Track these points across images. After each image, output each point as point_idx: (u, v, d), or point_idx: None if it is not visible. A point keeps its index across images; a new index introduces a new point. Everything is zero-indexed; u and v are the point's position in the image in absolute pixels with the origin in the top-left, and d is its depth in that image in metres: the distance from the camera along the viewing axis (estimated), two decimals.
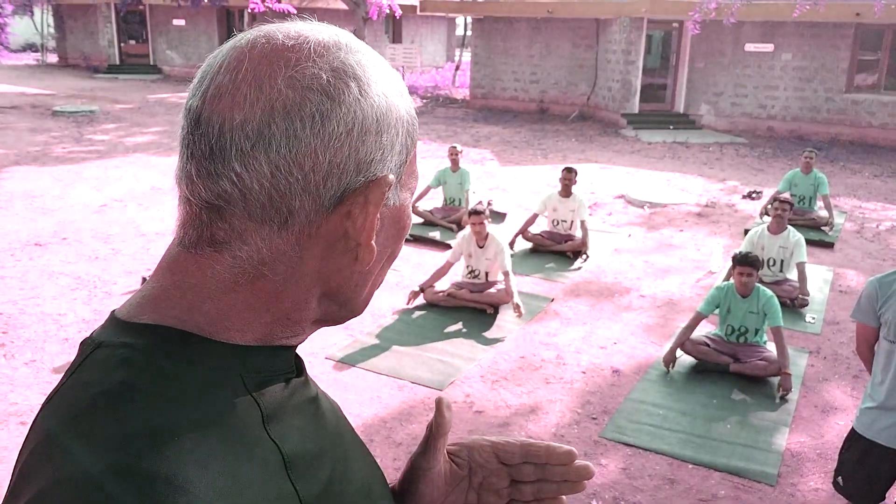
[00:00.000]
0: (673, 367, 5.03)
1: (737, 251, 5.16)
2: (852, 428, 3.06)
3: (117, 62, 26.03)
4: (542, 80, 19.30)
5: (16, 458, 0.62)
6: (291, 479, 0.62)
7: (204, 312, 0.62)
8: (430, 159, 11.90)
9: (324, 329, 0.73)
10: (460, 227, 7.87)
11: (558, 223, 7.71)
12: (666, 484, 3.81)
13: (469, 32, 25.00)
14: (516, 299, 5.79)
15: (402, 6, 20.73)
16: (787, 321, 5.35)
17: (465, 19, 26.38)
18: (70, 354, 4.80)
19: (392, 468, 3.73)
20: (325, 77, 0.62)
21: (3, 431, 4.02)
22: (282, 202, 0.61)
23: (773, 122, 16.72)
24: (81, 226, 7.96)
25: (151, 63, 26.29)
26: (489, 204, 9.13)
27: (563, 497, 0.88)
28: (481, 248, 6.08)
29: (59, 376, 0.60)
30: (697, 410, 4.56)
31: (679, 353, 5.06)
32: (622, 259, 7.56)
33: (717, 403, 4.65)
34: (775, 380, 4.84)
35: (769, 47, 16.37)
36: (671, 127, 16.63)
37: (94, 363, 0.61)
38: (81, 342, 0.64)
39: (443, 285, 6.16)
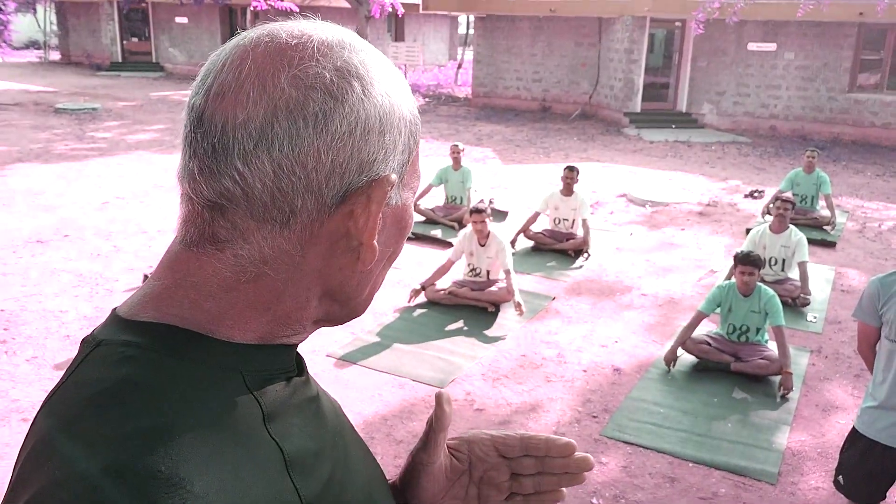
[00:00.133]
0: (674, 365, 5.03)
1: (738, 250, 5.16)
2: (853, 427, 3.06)
3: (120, 60, 26.04)
4: (545, 79, 19.29)
5: (16, 456, 0.62)
6: (292, 479, 0.62)
7: (205, 311, 0.62)
8: (432, 157, 11.90)
9: (325, 327, 0.73)
10: (462, 225, 7.87)
11: (560, 222, 7.71)
12: (667, 482, 3.82)
13: (471, 31, 25.00)
14: (517, 298, 5.79)
15: (404, 4, 20.72)
16: (788, 320, 5.34)
17: (468, 17, 26.38)
18: (71, 351, 4.81)
19: (393, 466, 3.73)
20: (328, 76, 0.62)
21: (5, 428, 4.03)
22: (284, 201, 0.61)
23: (776, 121, 16.70)
24: (83, 223, 7.96)
25: (154, 60, 26.30)
26: (491, 202, 9.14)
27: (564, 490, 0.88)
28: (483, 246, 6.08)
29: (61, 373, 0.60)
30: (698, 409, 4.56)
31: (680, 351, 5.06)
32: (624, 258, 7.56)
33: (718, 402, 4.65)
34: (776, 379, 4.84)
35: (772, 46, 16.35)
36: (673, 126, 16.62)
37: (95, 361, 0.61)
38: (82, 340, 0.64)
39: (444, 283, 6.17)
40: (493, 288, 6.03)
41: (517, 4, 18.40)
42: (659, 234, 8.47)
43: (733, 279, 5.11)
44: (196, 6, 23.36)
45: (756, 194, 10.43)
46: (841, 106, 16.07)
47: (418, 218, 8.38)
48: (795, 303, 6.23)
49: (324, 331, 4.95)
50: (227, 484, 0.55)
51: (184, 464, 0.54)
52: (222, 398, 0.60)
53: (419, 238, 7.80)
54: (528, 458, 0.86)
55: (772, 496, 3.73)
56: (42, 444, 0.58)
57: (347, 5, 21.34)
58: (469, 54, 25.56)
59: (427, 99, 21.18)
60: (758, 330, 5.06)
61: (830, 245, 8.20)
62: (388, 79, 0.66)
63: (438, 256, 6.97)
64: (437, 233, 8.03)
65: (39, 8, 29.28)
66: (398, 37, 27.89)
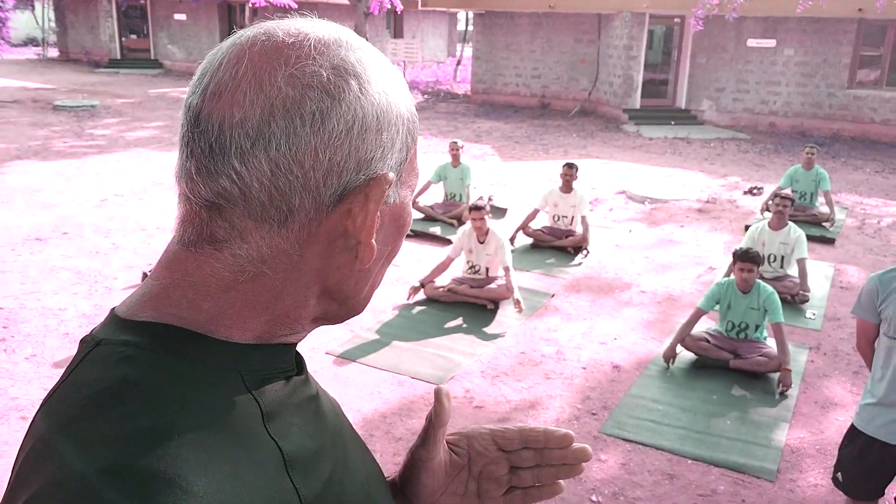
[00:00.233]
0: (673, 362, 5.04)
1: (737, 247, 5.16)
2: (852, 424, 3.06)
3: (118, 57, 26.01)
4: (544, 75, 19.28)
5: (15, 456, 0.62)
6: (291, 478, 0.62)
7: (204, 310, 0.62)
8: (431, 154, 11.90)
9: (324, 325, 0.73)
10: (461, 222, 7.86)
11: (559, 219, 7.70)
12: (665, 479, 3.82)
13: (470, 27, 24.97)
14: (517, 295, 5.79)
15: (403, 1, 20.68)
16: (787, 317, 5.35)
17: (467, 14, 26.34)
18: (71, 349, 4.81)
19: (392, 463, 3.73)
20: (325, 75, 0.61)
21: (4, 426, 4.03)
22: (282, 200, 0.61)
23: (775, 117, 16.70)
24: (82, 220, 7.96)
25: (152, 58, 26.27)
26: (490, 199, 9.14)
27: (562, 482, 0.89)
28: (482, 243, 6.08)
29: (60, 371, 0.60)
30: (697, 406, 4.56)
31: (679, 348, 5.06)
32: (623, 255, 7.56)
33: (717, 399, 4.65)
34: (775, 376, 4.84)
35: (771, 43, 16.34)
36: (672, 122, 16.61)
37: (93, 361, 0.61)
38: (81, 340, 0.64)
39: (443, 281, 6.17)
40: (493, 285, 6.03)
41: (516, 1, 18.38)
42: (658, 231, 8.47)
43: (732, 276, 5.11)
44: (194, 3, 23.32)
45: (755, 191, 10.44)
46: (840, 102, 16.06)
47: (417, 215, 8.38)
48: (794, 300, 6.24)
49: (323, 328, 4.95)
50: (226, 484, 0.55)
51: (183, 464, 0.53)
52: (221, 398, 0.60)
53: (418, 235, 7.80)
54: (526, 450, 0.87)
55: (771, 493, 3.74)
56: (41, 444, 0.58)
57: (346, 2, 21.30)
58: (468, 51, 25.53)
59: (426, 96, 21.17)
60: (757, 327, 5.06)
61: (829, 242, 8.20)
62: (385, 77, 0.66)
63: (437, 253, 6.97)
64: (436, 230, 8.03)
65: (38, 5, 29.25)
66: (397, 33, 27.86)
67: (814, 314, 6.11)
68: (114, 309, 0.65)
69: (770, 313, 4.92)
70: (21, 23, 29.41)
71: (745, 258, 4.93)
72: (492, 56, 19.80)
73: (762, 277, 5.84)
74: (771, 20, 16.12)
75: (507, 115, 18.15)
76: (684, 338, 5.05)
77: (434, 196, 8.81)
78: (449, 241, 7.19)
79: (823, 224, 8.64)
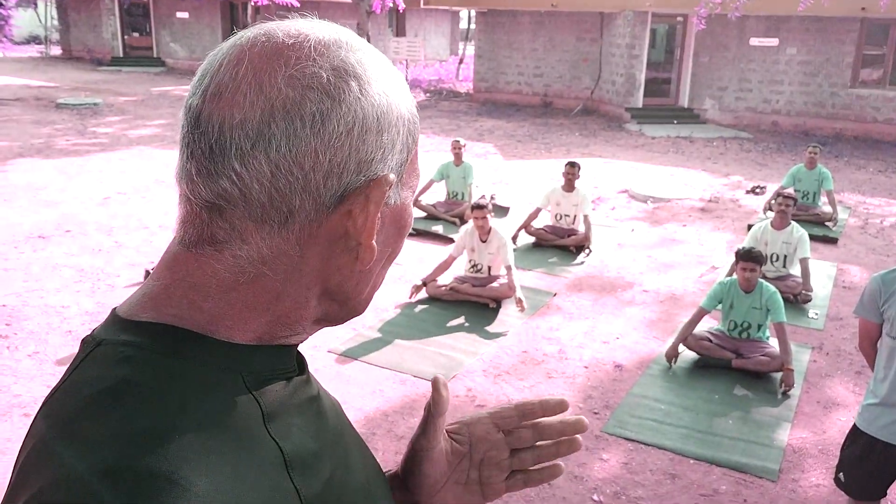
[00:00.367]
0: (675, 362, 5.03)
1: (740, 246, 5.15)
2: (854, 424, 3.06)
3: (121, 55, 26.02)
4: (546, 74, 19.26)
5: (16, 455, 0.62)
6: (292, 478, 0.62)
7: (205, 311, 0.62)
8: (434, 153, 11.89)
9: (326, 327, 0.73)
10: (463, 221, 7.87)
11: (561, 217, 7.70)
12: (667, 479, 3.82)
13: (473, 26, 24.96)
14: (519, 294, 5.79)
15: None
16: (789, 317, 5.34)
17: (469, 13, 26.32)
18: (73, 346, 4.81)
19: (394, 462, 3.71)
20: (325, 76, 0.61)
21: (7, 423, 4.04)
22: (282, 201, 0.61)
23: (778, 116, 16.68)
24: (85, 218, 7.97)
25: (155, 56, 26.29)
26: (492, 198, 9.14)
27: (561, 464, 0.90)
28: (484, 242, 6.08)
29: (63, 368, 0.60)
30: (699, 405, 4.56)
31: (681, 348, 5.06)
32: (625, 254, 7.55)
33: (719, 399, 4.65)
34: (777, 375, 4.84)
35: (774, 42, 16.32)
36: (675, 121, 16.60)
37: (94, 361, 0.61)
38: (82, 340, 0.64)
39: (445, 279, 6.17)
40: (495, 284, 6.03)
41: None
42: (660, 231, 8.46)
43: (735, 276, 5.10)
44: (197, 1, 23.33)
45: (758, 190, 10.42)
46: (843, 101, 16.03)
47: (419, 214, 8.38)
48: (797, 299, 6.23)
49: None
50: (226, 484, 0.55)
51: (183, 464, 0.53)
52: (222, 398, 0.60)
53: (420, 234, 7.80)
54: (525, 429, 0.88)
55: (773, 493, 3.73)
56: (41, 444, 0.58)
57: (348, 0, 21.31)
58: (470, 49, 25.51)
59: (428, 94, 21.16)
60: (759, 326, 5.05)
61: (832, 241, 8.19)
62: (385, 77, 0.66)
63: (439, 252, 6.97)
64: (438, 229, 8.03)
65: (40, 2, 29.28)
66: (399, 32, 27.85)
67: (816, 314, 6.10)
68: (115, 309, 0.65)
69: (772, 313, 4.91)
70: (24, 21, 29.47)
71: (748, 258, 4.92)
72: (494, 54, 19.79)
73: (765, 277, 5.83)
74: (774, 19, 16.10)
75: (510, 113, 18.15)
76: (686, 337, 5.05)
77: (436, 195, 8.81)
78: (451, 240, 7.19)
79: (826, 224, 8.63)
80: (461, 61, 25.87)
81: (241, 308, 0.63)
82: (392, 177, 0.65)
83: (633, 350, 5.34)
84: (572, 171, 7.53)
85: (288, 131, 0.60)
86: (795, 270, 6.49)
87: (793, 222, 6.49)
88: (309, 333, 0.70)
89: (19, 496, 0.55)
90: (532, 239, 7.70)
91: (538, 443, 0.89)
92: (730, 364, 4.95)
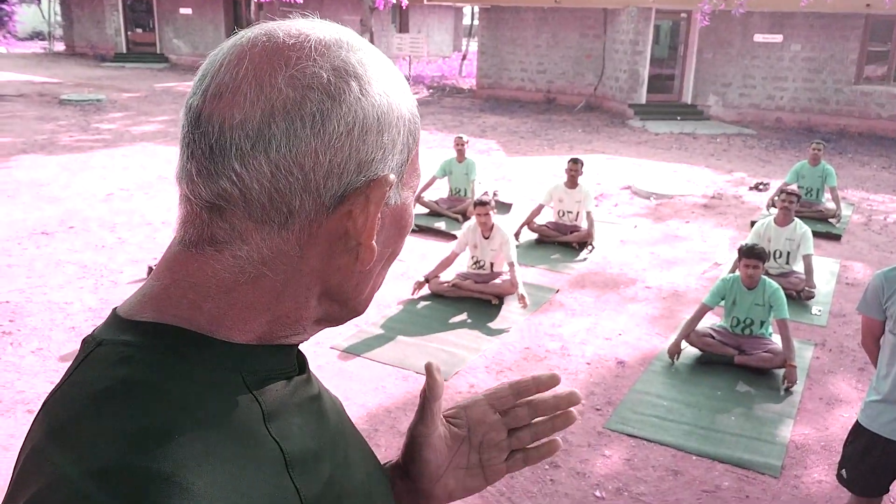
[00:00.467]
0: (678, 358, 5.03)
1: (743, 243, 5.15)
2: (857, 421, 3.06)
3: (124, 51, 26.01)
4: (550, 70, 19.23)
5: (17, 453, 0.62)
6: (292, 478, 0.62)
7: (205, 311, 0.62)
8: (437, 149, 11.89)
9: (328, 327, 0.73)
10: (466, 217, 7.86)
11: (564, 214, 7.70)
12: (670, 475, 3.82)
13: (476, 22, 24.91)
14: (521, 290, 5.79)
15: None
16: (792, 313, 5.33)
17: (472, 9, 26.27)
18: (76, 343, 4.82)
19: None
20: (325, 76, 0.61)
21: (10, 419, 4.05)
22: (282, 202, 0.61)
23: (782, 113, 16.63)
24: (88, 214, 7.98)
25: (158, 52, 26.26)
26: (495, 194, 9.12)
27: (559, 440, 0.91)
28: (486, 238, 6.08)
29: (66, 365, 0.60)
30: (702, 402, 4.56)
31: (684, 344, 5.06)
32: (628, 250, 7.55)
33: (722, 395, 4.65)
34: (780, 372, 4.83)
35: (778, 38, 16.26)
36: (678, 118, 16.56)
37: (94, 361, 0.61)
38: (83, 340, 0.65)
39: (448, 276, 6.17)
40: (497, 280, 6.03)
41: None
42: (663, 227, 8.45)
43: (738, 272, 5.10)
44: None
45: (761, 187, 10.40)
46: (847, 98, 15.99)
47: (422, 210, 8.38)
48: (800, 296, 6.22)
49: None
50: (226, 484, 0.55)
51: (183, 463, 0.53)
52: (222, 398, 0.60)
53: (423, 230, 7.80)
54: (520, 407, 0.89)
55: (775, 489, 3.74)
56: (40, 445, 0.58)
57: None
58: (474, 45, 25.47)
59: (431, 90, 21.14)
60: (762, 323, 5.05)
61: (835, 238, 8.17)
62: (386, 78, 0.66)
63: (442, 249, 6.97)
64: (441, 225, 8.03)
65: None
66: (403, 28, 27.82)
67: (819, 310, 6.10)
68: (115, 309, 0.65)
69: (775, 309, 4.91)
70: (27, 17, 29.48)
71: (751, 254, 4.91)
72: (497, 51, 19.76)
73: (768, 273, 5.82)
74: (778, 15, 16.05)
75: (513, 109, 18.12)
76: (689, 333, 5.05)
77: (439, 191, 8.81)
78: (454, 237, 7.19)
79: (829, 220, 8.61)
80: (464, 57, 25.84)
81: (242, 308, 0.63)
82: (392, 177, 0.65)
83: (635, 346, 5.34)
84: (575, 167, 7.52)
85: (288, 131, 0.60)
86: (798, 267, 6.48)
87: (796, 219, 6.48)
88: (310, 333, 0.70)
89: (19, 496, 0.55)
90: (535, 235, 7.69)
91: (534, 420, 0.90)
92: (732, 360, 4.95)
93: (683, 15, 17.08)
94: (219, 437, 0.57)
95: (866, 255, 7.66)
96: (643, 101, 16.98)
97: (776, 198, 7.50)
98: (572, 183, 7.59)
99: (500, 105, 18.79)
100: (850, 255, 7.67)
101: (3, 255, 6.61)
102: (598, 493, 3.65)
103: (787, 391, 4.69)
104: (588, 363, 5.06)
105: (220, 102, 0.61)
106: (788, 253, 6.44)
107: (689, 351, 5.13)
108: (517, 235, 7.42)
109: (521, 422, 0.89)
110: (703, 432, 4.21)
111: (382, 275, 0.73)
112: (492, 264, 6.12)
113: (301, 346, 0.72)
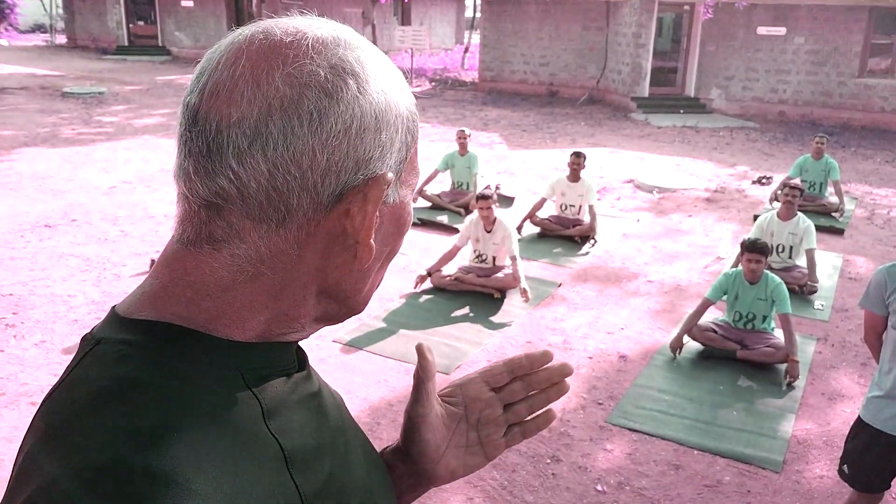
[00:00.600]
0: (680, 353, 5.03)
1: (746, 237, 5.14)
2: (859, 416, 3.05)
3: (126, 43, 25.98)
4: (552, 63, 19.19)
5: (17, 451, 0.62)
6: (292, 475, 0.62)
7: (203, 310, 0.62)
8: (439, 143, 11.87)
9: (327, 325, 0.73)
10: (468, 211, 7.86)
11: (566, 208, 7.69)
12: (671, 469, 3.82)
13: (478, 14, 24.84)
14: (523, 284, 5.79)
15: None
16: (795, 308, 5.33)
17: (475, 1, 26.20)
18: (79, 335, 4.82)
19: None
20: (322, 74, 0.61)
21: (14, 411, 4.06)
22: (280, 200, 0.61)
23: (785, 106, 16.59)
24: (90, 207, 7.99)
25: (160, 44, 26.23)
26: (497, 188, 9.12)
27: (554, 410, 0.93)
28: (489, 232, 6.07)
29: (69, 357, 0.60)
30: (704, 397, 4.56)
31: (686, 339, 5.06)
32: (630, 244, 7.54)
33: (724, 390, 4.65)
34: (782, 367, 4.83)
35: (781, 31, 16.21)
36: (681, 111, 16.52)
37: (93, 360, 0.61)
38: (82, 338, 0.65)
39: (450, 269, 6.16)
40: (499, 274, 6.03)
41: None
42: (666, 221, 8.44)
43: (740, 266, 5.09)
44: None
45: (764, 180, 10.38)
46: (851, 91, 15.94)
47: (424, 204, 8.38)
48: (802, 290, 6.21)
49: None
50: (226, 481, 0.55)
51: (182, 461, 0.53)
52: (221, 396, 0.60)
53: (425, 224, 7.80)
54: (515, 382, 0.90)
55: (776, 484, 3.74)
56: (39, 443, 0.58)
57: None
58: (476, 38, 25.41)
59: (433, 83, 21.10)
60: (764, 318, 5.04)
61: (838, 232, 8.16)
62: (384, 76, 0.65)
63: (444, 242, 6.97)
64: (443, 219, 8.02)
65: None
66: (405, 20, 27.74)
67: (822, 305, 6.09)
68: (114, 307, 0.65)
69: (778, 304, 4.90)
70: (29, 9, 29.42)
71: (753, 249, 4.91)
72: (500, 43, 19.71)
73: (770, 268, 5.82)
74: (781, 8, 15.98)
75: (515, 103, 18.09)
76: (691, 328, 5.04)
77: (441, 185, 8.80)
78: (456, 230, 7.19)
79: (832, 214, 8.59)
80: (466, 50, 25.78)
81: (240, 307, 0.63)
82: (390, 175, 0.65)
83: (637, 341, 5.34)
84: (578, 161, 7.51)
85: (285, 130, 0.59)
86: (801, 261, 6.47)
87: (799, 213, 6.46)
88: (309, 331, 0.70)
89: (19, 494, 0.55)
90: (537, 229, 7.69)
91: (529, 393, 0.91)
92: (734, 355, 4.95)
93: (686, 7, 17.02)
94: (218, 435, 0.57)
95: (869, 250, 7.64)
96: (646, 94, 16.94)
97: (779, 192, 7.48)
98: (575, 176, 7.58)
99: (502, 98, 18.76)
100: (853, 249, 7.65)
101: (7, 248, 6.62)
102: (599, 488, 3.65)
103: (789, 386, 4.69)
104: (590, 357, 5.06)
105: (217, 100, 0.60)
106: (791, 247, 6.43)
107: (691, 345, 5.12)
108: (519, 229, 7.41)
109: (516, 396, 0.90)
110: (704, 427, 4.22)
111: (381, 273, 0.73)
112: (494, 258, 6.12)
113: (300, 345, 0.72)
